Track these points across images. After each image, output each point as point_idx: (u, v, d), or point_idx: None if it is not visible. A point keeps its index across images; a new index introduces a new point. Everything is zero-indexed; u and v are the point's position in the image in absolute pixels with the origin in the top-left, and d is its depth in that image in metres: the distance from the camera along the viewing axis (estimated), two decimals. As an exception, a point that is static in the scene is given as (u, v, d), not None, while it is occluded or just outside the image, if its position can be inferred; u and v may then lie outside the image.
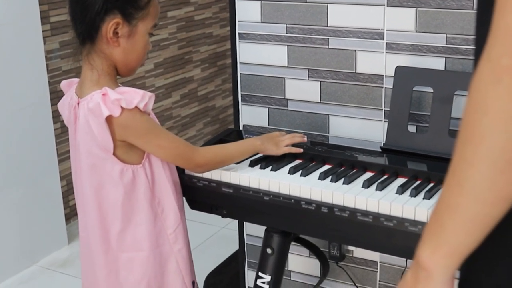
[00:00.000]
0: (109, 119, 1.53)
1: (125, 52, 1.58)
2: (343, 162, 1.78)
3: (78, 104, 1.59)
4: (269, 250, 1.83)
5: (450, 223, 0.79)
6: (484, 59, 0.73)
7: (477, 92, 0.74)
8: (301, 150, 1.81)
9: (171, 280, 1.69)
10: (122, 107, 1.52)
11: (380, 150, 1.84)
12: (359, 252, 2.13)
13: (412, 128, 1.89)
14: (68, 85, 1.70)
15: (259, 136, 1.82)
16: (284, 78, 2.11)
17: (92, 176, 1.62)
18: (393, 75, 1.84)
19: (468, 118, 0.75)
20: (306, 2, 2.00)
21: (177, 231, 1.68)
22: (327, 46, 2.01)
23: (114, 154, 1.58)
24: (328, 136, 2.08)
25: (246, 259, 2.38)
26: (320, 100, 2.07)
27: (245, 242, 2.36)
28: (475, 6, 1.77)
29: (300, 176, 1.70)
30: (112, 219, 1.63)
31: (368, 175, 1.70)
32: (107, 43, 1.56)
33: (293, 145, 1.81)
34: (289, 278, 2.31)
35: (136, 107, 1.53)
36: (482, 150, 0.73)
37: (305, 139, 1.83)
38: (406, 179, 1.66)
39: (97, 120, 1.53)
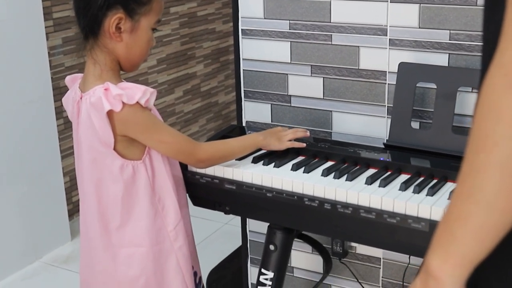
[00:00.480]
0: (110, 114, 1.53)
1: (128, 47, 1.58)
2: (346, 158, 1.77)
3: (81, 98, 1.59)
4: (272, 247, 1.83)
5: (460, 232, 0.77)
6: (495, 64, 0.71)
7: (488, 99, 0.72)
8: (304, 145, 1.80)
9: (171, 278, 1.69)
10: (123, 102, 1.52)
11: (383, 146, 1.83)
12: (362, 249, 2.13)
13: (415, 125, 1.88)
14: (72, 80, 1.70)
15: (262, 132, 1.81)
16: (287, 74, 2.11)
17: (93, 171, 1.62)
18: (396, 71, 1.84)
19: (479, 126, 0.73)
20: (309, -2, 2.00)
21: (177, 228, 1.68)
22: (330, 42, 2.00)
23: (114, 149, 1.58)
24: (331, 132, 2.08)
25: (249, 256, 2.38)
26: (323, 96, 2.06)
27: (248, 238, 2.36)
28: (478, 2, 1.76)
29: (303, 172, 1.70)
30: (111, 214, 1.63)
31: (371, 171, 1.70)
32: (109, 38, 1.57)
33: (296, 139, 1.81)
34: (292, 274, 2.31)
35: (137, 102, 1.53)
36: (495, 158, 0.71)
37: (308, 133, 1.83)
38: (409, 176, 1.65)
39: (99, 114, 1.53)
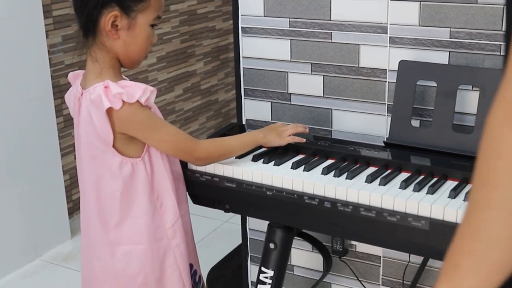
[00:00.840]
0: (109, 112, 1.53)
1: (126, 44, 1.58)
2: (346, 156, 1.77)
3: (81, 95, 1.60)
4: (272, 245, 1.83)
5: (465, 267, 0.76)
6: (499, 99, 0.69)
7: (492, 134, 0.70)
8: (305, 140, 1.80)
9: (169, 275, 1.69)
10: (123, 101, 1.52)
11: (383, 144, 1.83)
12: (362, 247, 2.13)
13: (415, 123, 1.88)
14: (75, 77, 1.70)
15: (261, 129, 1.81)
16: (287, 72, 2.10)
17: (92, 168, 1.62)
18: (396, 69, 1.83)
19: (482, 161, 0.72)
20: (309, -4, 1.99)
21: (175, 225, 1.68)
22: (330, 40, 2.00)
23: (113, 146, 1.58)
24: (331, 130, 2.07)
25: (249, 254, 2.38)
26: (323, 94, 2.06)
27: (248, 236, 2.36)
28: (479, 0, 1.76)
29: (303, 171, 1.70)
30: (110, 211, 1.63)
31: (371, 169, 1.70)
32: (107, 36, 1.57)
33: (296, 134, 1.80)
34: (292, 272, 2.31)
35: (137, 101, 1.53)
36: (498, 195, 0.69)
37: (307, 130, 1.83)
38: (409, 174, 1.65)
39: (98, 112, 1.53)
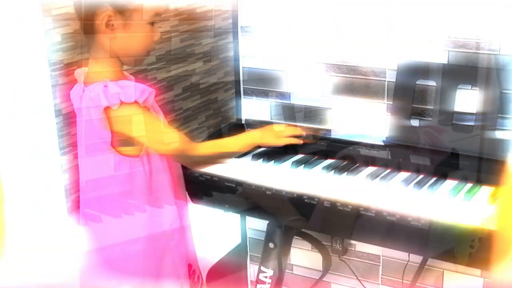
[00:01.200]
0: (107, 111, 1.53)
1: (123, 43, 1.58)
2: (346, 156, 1.77)
3: (83, 92, 1.60)
4: (271, 245, 1.83)
5: None
6: None
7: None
8: (302, 141, 1.80)
9: (167, 275, 1.69)
10: (121, 101, 1.52)
11: (382, 144, 1.83)
12: (361, 246, 2.13)
13: (415, 122, 1.88)
14: (80, 74, 1.71)
15: (259, 129, 1.81)
16: (286, 71, 2.10)
17: (91, 166, 1.63)
18: (396, 68, 1.83)
19: None
20: (308, -5, 1.99)
21: (174, 226, 1.68)
22: (330, 40, 1.99)
23: (112, 145, 1.58)
24: (330, 130, 2.07)
25: (249, 253, 2.38)
26: (323, 93, 2.06)
27: (248, 236, 2.36)
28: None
29: (303, 170, 1.70)
30: (109, 210, 1.63)
31: (371, 169, 1.70)
32: (104, 36, 1.57)
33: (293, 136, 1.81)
34: (291, 272, 2.30)
35: (135, 101, 1.53)
36: None
37: (304, 133, 1.83)
38: (409, 173, 1.65)
39: (97, 110, 1.54)
